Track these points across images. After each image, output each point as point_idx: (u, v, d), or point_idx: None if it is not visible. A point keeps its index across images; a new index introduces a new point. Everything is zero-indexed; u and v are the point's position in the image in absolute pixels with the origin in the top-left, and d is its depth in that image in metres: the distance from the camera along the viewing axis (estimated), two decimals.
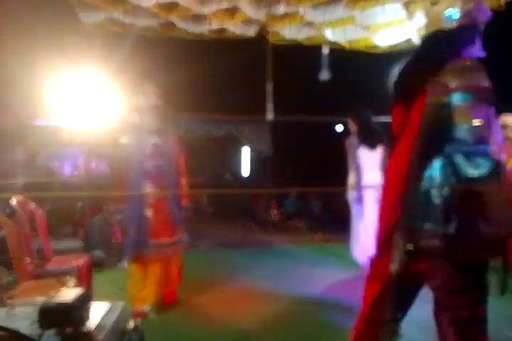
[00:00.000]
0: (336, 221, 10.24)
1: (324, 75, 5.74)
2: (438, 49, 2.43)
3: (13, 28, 5.65)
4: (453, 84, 2.33)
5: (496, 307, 4.31)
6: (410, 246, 2.30)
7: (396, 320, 2.62)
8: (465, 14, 2.38)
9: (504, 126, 4.91)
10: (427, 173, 2.34)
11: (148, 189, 4.37)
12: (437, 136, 2.32)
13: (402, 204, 2.34)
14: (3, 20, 5.45)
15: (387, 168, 2.57)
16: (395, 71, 2.44)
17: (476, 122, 2.31)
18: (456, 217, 2.23)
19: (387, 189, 2.54)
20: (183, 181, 4.70)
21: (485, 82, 2.40)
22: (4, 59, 5.86)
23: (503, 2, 4.97)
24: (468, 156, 2.27)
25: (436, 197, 2.29)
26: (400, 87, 2.45)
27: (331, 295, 5.05)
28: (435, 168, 2.33)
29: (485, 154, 2.28)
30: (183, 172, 4.72)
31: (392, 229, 2.37)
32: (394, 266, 2.33)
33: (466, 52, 2.41)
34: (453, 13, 2.38)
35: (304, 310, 4.57)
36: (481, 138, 2.30)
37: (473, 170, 2.25)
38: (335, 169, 10.70)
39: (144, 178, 4.36)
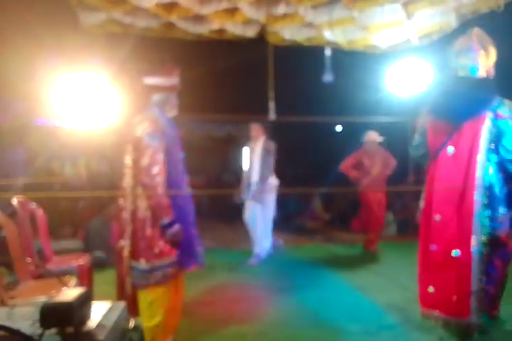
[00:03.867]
0: (337, 221, 10.30)
1: (327, 77, 5.74)
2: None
3: (13, 28, 5.65)
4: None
5: None
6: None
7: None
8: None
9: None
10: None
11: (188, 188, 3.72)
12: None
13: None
14: (3, 21, 5.46)
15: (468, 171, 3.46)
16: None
17: None
18: None
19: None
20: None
21: None
22: (4, 59, 5.87)
23: (503, 3, 4.98)
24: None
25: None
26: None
27: (331, 294, 5.05)
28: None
29: None
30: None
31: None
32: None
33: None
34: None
35: (303, 309, 4.58)
36: None
37: None
38: (335, 169, 10.74)
39: (182, 175, 3.65)
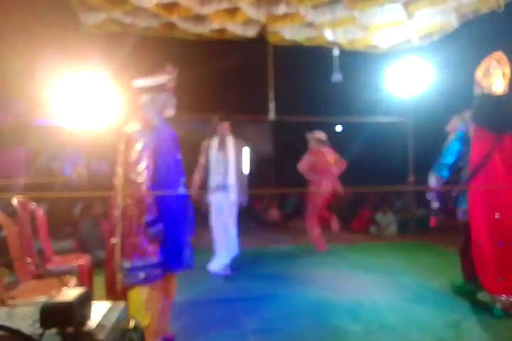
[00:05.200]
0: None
1: (336, 77, 5.63)
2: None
3: (14, 29, 5.67)
4: None
5: None
6: None
7: None
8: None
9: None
10: None
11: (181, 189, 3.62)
12: None
13: None
14: (4, 22, 5.48)
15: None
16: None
17: None
18: None
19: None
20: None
21: None
22: (5, 60, 5.89)
23: (503, 3, 5.00)
24: None
25: None
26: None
27: (331, 294, 5.07)
28: None
29: None
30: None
31: None
32: None
33: None
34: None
35: (303, 309, 4.55)
36: None
37: None
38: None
39: (175, 175, 3.55)
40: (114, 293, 3.37)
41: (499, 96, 4.27)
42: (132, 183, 3.24)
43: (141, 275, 3.27)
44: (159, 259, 3.33)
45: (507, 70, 4.29)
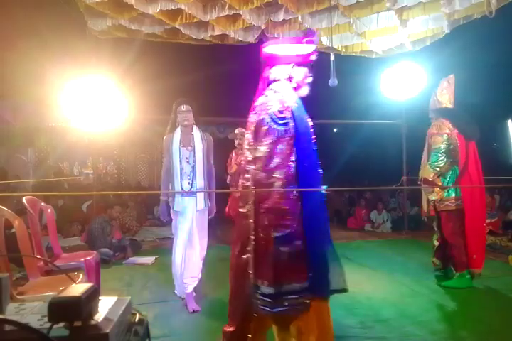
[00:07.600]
0: (334, 219, 10.42)
1: (332, 82, 5.63)
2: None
3: (24, 35, 5.79)
4: None
5: None
6: None
7: None
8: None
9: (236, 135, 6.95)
10: None
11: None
12: None
13: None
14: (15, 28, 5.60)
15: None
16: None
17: None
18: None
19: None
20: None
21: None
22: (16, 63, 5.99)
23: (493, 9, 5.04)
24: None
25: None
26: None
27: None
28: None
29: None
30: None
31: None
32: None
33: None
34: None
35: None
36: None
37: None
38: (332, 168, 10.81)
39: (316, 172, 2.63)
40: (236, 319, 2.83)
41: (463, 111, 5.28)
42: (261, 184, 2.50)
43: (285, 302, 2.47)
44: (307, 283, 2.51)
45: (453, 89, 5.27)
